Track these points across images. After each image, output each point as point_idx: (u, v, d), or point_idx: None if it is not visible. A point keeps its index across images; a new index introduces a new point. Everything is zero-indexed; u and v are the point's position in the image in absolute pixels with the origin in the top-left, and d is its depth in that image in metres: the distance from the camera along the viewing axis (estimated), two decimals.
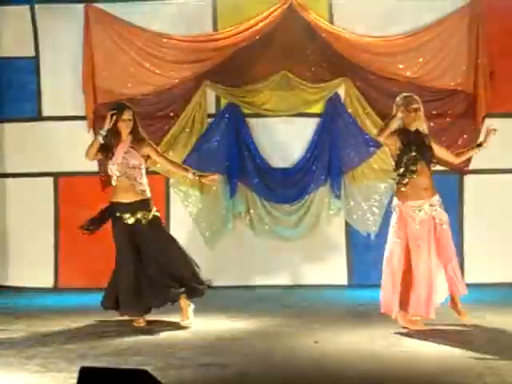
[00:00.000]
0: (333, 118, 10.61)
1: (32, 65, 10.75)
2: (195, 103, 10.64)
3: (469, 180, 10.59)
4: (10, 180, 10.87)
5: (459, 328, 7.51)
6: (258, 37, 10.48)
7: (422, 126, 7.63)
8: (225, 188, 10.69)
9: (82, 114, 10.68)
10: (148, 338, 7.36)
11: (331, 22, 10.52)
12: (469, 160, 10.49)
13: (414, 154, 7.40)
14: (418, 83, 10.42)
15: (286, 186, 10.68)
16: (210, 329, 7.75)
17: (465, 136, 10.49)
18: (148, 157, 8.14)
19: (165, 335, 7.49)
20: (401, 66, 10.46)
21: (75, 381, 4.34)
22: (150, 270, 7.89)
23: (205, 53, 10.58)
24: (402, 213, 7.49)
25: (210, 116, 10.72)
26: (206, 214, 10.70)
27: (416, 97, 7.66)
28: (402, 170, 7.43)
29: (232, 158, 10.65)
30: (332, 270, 10.55)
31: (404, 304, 7.45)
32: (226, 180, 10.65)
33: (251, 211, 10.70)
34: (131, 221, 7.96)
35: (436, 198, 7.59)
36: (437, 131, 10.48)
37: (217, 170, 10.59)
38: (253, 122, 10.69)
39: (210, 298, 9.82)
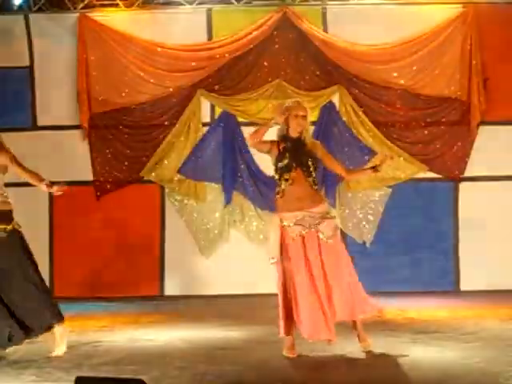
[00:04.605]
0: (327, 127, 10.62)
1: (26, 74, 10.75)
2: (190, 112, 10.66)
3: (463, 187, 10.60)
4: None
5: (458, 336, 7.50)
6: (252, 46, 10.51)
7: (307, 134, 6.93)
8: (220, 196, 10.69)
9: (76, 123, 10.69)
10: (144, 347, 7.34)
11: (325, 30, 10.55)
12: (463, 167, 10.54)
13: (286, 161, 6.74)
14: (412, 91, 10.48)
15: None
16: (206, 338, 7.73)
17: (459, 143, 10.52)
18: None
19: (160, 344, 7.47)
20: (395, 75, 10.49)
21: None
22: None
23: (199, 62, 10.59)
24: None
25: (204, 125, 10.74)
26: (202, 222, 10.70)
27: (305, 104, 7.09)
28: (276, 177, 6.80)
29: (227, 166, 10.66)
30: None
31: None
32: (221, 188, 10.67)
33: (246, 220, 10.70)
34: None
35: (317, 210, 6.77)
36: (431, 139, 10.53)
37: (212, 179, 10.65)
38: (248, 130, 10.65)
39: (206, 307, 9.83)
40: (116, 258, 10.62)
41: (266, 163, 10.62)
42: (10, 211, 7.28)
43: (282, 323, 6.78)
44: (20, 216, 10.63)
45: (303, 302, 6.62)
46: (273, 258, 6.72)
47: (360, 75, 10.49)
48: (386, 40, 10.44)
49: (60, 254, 10.69)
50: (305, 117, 6.93)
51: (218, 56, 10.56)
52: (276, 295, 6.83)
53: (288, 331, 6.75)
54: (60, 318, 7.03)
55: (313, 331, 6.64)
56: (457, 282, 10.57)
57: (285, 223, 6.72)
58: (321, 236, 6.69)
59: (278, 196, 6.79)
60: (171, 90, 10.63)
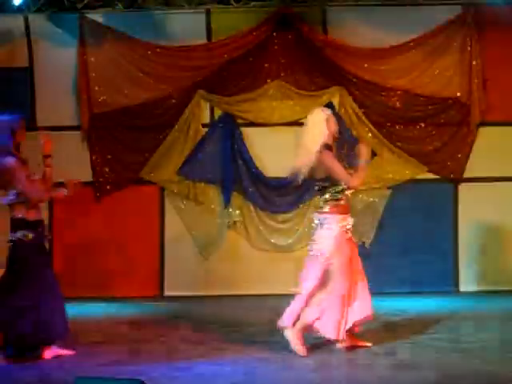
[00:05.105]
0: None
1: (26, 75, 10.74)
2: (189, 113, 10.65)
3: (463, 188, 10.60)
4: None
5: (457, 336, 7.50)
6: (251, 46, 10.50)
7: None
8: (219, 197, 10.68)
9: (76, 124, 10.68)
10: (143, 347, 7.34)
11: (325, 31, 10.54)
12: (463, 168, 10.53)
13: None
14: (412, 92, 10.45)
15: (280, 195, 10.68)
16: (205, 338, 7.73)
17: (459, 144, 10.50)
18: None
19: (159, 345, 7.47)
20: (395, 75, 10.48)
21: None
22: None
23: (199, 63, 10.58)
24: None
25: (204, 125, 10.73)
26: (201, 223, 10.70)
27: None
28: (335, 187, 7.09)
29: (226, 167, 10.65)
30: None
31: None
32: (220, 189, 10.66)
33: (246, 220, 10.69)
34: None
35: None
36: (431, 139, 10.52)
37: (211, 180, 10.65)
38: (247, 131, 10.70)
39: (205, 307, 9.84)
40: (116, 259, 10.61)
41: (265, 165, 10.67)
42: None
43: (292, 314, 6.94)
44: None
45: (335, 299, 6.84)
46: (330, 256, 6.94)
47: (360, 75, 10.48)
48: (386, 40, 10.43)
49: (60, 255, 10.67)
50: None
51: (217, 57, 10.55)
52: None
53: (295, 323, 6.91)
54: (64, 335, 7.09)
55: (329, 329, 6.83)
56: (456, 282, 10.56)
57: (347, 225, 7.05)
58: (354, 240, 7.18)
59: (340, 201, 7.06)
60: (171, 91, 10.62)
